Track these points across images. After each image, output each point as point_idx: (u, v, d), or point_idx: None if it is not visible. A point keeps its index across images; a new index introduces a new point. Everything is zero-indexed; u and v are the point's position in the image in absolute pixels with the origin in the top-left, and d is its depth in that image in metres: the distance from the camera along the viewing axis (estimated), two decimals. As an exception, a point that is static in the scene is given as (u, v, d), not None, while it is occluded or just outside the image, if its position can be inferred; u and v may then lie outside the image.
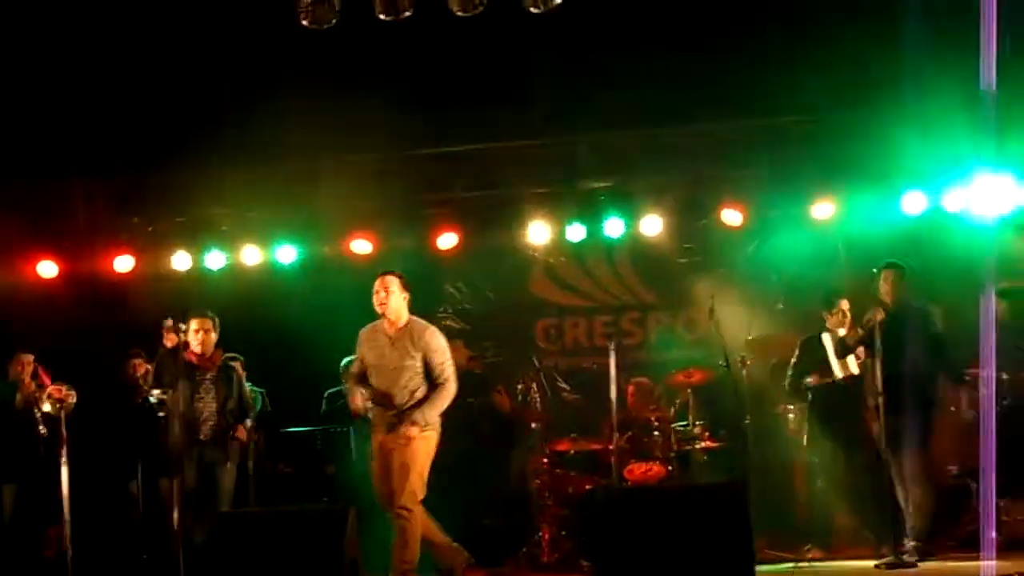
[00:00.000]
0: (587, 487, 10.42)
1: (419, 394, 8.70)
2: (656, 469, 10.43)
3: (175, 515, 8.84)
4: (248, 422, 9.68)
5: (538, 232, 11.87)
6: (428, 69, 11.21)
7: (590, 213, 11.75)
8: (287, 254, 12.08)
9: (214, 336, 9.57)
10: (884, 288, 9.32)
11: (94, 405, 10.11)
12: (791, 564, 9.11)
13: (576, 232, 11.79)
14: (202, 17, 10.62)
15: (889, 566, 8.86)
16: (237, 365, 10.06)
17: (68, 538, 9.36)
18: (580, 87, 11.31)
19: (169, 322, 9.15)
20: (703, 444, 10.56)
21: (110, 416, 10.55)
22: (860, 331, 9.27)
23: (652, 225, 11.70)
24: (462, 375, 10.56)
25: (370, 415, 8.91)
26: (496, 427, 11.22)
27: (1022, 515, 9.64)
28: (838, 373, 9.86)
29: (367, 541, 8.29)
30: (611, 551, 7.67)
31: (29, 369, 10.31)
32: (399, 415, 8.63)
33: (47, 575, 10.22)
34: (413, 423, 8.53)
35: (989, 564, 8.78)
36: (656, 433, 10.64)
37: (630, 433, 10.65)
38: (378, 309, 8.78)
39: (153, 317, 9.67)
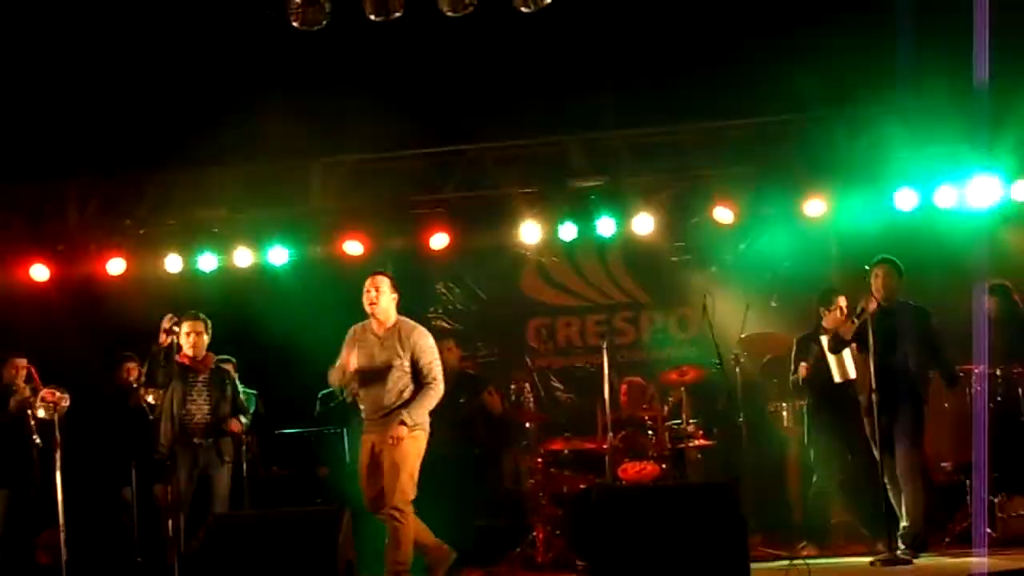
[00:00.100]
0: (581, 486, 10.40)
1: (407, 394, 8.69)
2: (650, 468, 10.42)
3: (169, 518, 8.83)
4: (242, 418, 9.67)
5: (530, 232, 11.86)
6: (419, 69, 11.20)
7: (581, 212, 11.74)
8: (279, 256, 12.07)
9: (206, 338, 9.56)
10: (876, 283, 9.31)
11: (86, 409, 10.09)
12: (786, 562, 9.09)
13: (568, 231, 11.79)
14: (194, 20, 10.61)
15: (884, 563, 8.85)
16: (229, 368, 10.05)
17: (62, 543, 9.33)
18: (570, 87, 11.31)
19: (167, 323, 9.11)
20: (697, 443, 10.55)
21: (103, 420, 10.52)
22: (855, 322, 9.25)
23: (644, 224, 11.69)
24: (454, 375, 10.59)
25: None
26: (489, 427, 11.20)
27: (1019, 511, 9.64)
28: (836, 377, 9.86)
29: (361, 542, 8.28)
30: (605, 550, 7.66)
31: (23, 373, 10.26)
32: (387, 415, 8.62)
33: (41, 581, 10.22)
34: (401, 423, 8.51)
35: (981, 560, 8.82)
36: (650, 432, 10.63)
37: (624, 432, 10.64)
38: (368, 308, 8.78)
39: (145, 320, 9.64)
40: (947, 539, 9.64)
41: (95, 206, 12.25)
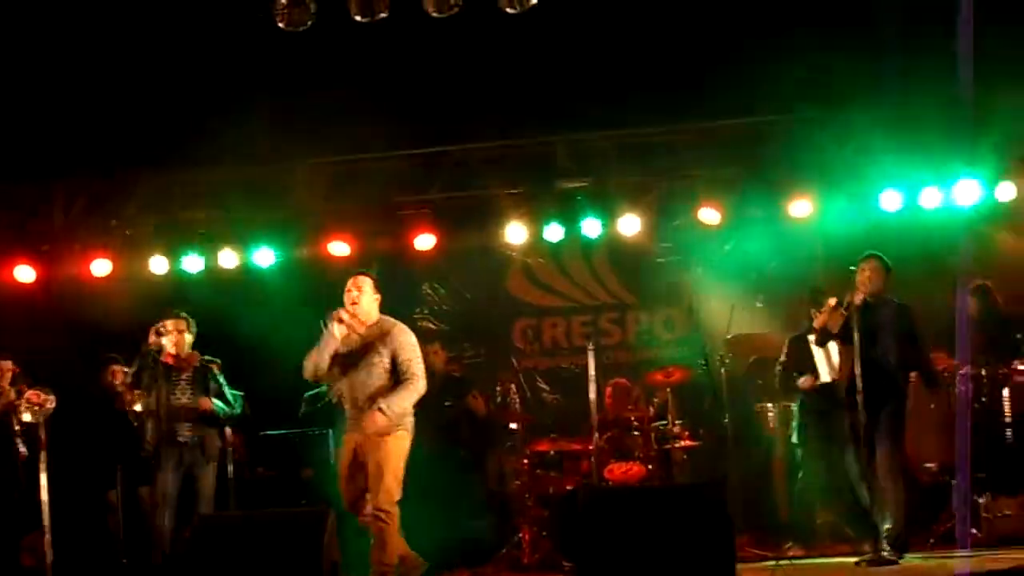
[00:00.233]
0: (567, 487, 10.42)
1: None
2: (636, 469, 10.44)
3: (155, 518, 8.82)
4: (223, 407, 9.63)
5: (515, 232, 11.85)
6: (404, 70, 11.20)
7: (567, 213, 11.73)
8: (264, 257, 12.05)
9: (188, 337, 9.58)
10: (863, 277, 9.31)
11: (71, 411, 10.05)
12: (772, 562, 9.12)
13: (554, 232, 11.78)
14: (179, 21, 10.59)
15: (870, 563, 8.87)
16: (214, 367, 10.03)
17: (47, 545, 9.30)
18: (556, 87, 11.31)
19: (160, 327, 9.12)
20: (683, 443, 10.57)
21: (88, 423, 10.49)
22: (844, 313, 9.25)
23: (630, 224, 11.69)
24: (440, 379, 10.60)
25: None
26: (474, 429, 11.20)
27: (1004, 511, 9.67)
28: (825, 377, 9.88)
29: (345, 544, 8.26)
30: (592, 551, 7.66)
31: (8, 376, 10.23)
32: (365, 406, 8.56)
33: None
34: (379, 410, 8.43)
35: (966, 561, 8.83)
36: (636, 433, 10.66)
37: (610, 433, 10.66)
38: (349, 308, 8.74)
39: (131, 321, 9.62)
40: (932, 539, 9.65)
41: (80, 207, 12.22)
